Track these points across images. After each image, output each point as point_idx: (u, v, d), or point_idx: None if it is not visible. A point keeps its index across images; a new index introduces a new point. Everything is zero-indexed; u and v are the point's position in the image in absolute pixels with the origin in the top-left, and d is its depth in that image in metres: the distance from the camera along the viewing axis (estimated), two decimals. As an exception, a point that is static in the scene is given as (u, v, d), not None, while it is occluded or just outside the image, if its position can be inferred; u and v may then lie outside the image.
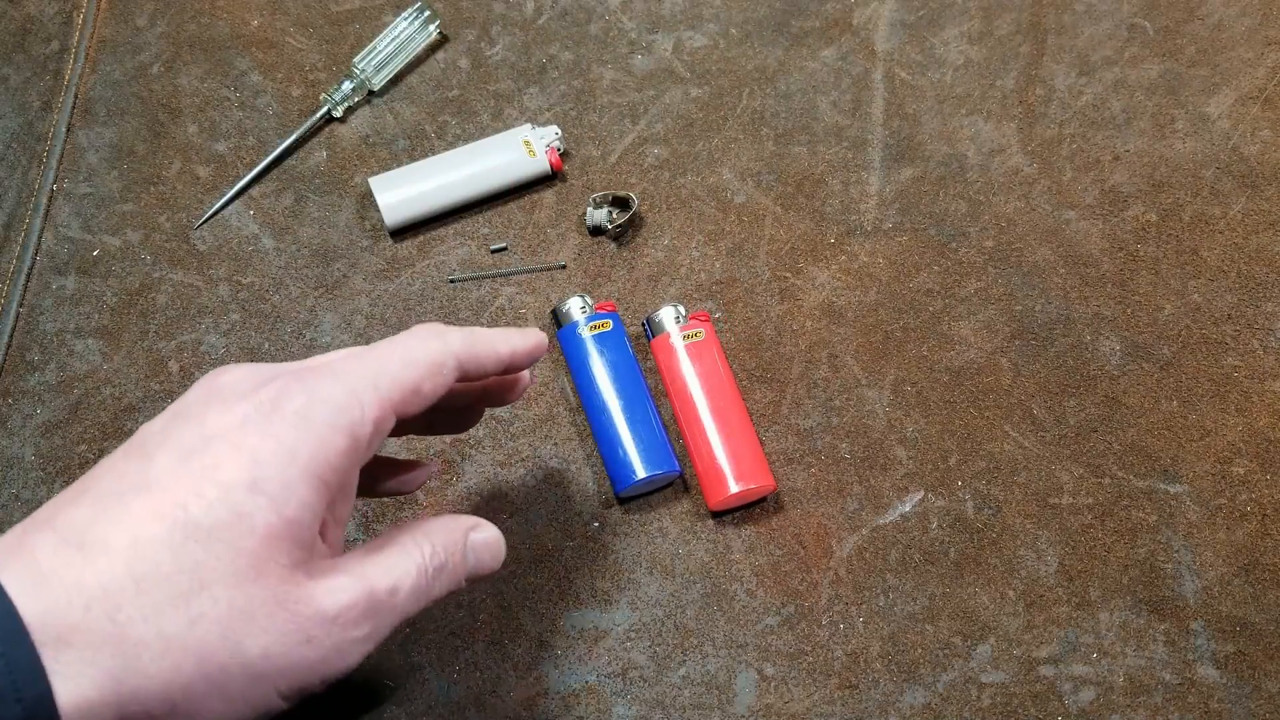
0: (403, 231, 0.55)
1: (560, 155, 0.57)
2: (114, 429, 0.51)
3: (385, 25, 0.61)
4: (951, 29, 0.61)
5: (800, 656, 0.46)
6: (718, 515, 0.48)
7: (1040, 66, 0.60)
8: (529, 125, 0.57)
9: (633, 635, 0.46)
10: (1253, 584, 0.47)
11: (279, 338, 0.53)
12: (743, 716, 0.44)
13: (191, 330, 0.53)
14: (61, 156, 0.57)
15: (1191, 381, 0.51)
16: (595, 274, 0.54)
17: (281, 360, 0.52)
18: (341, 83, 0.58)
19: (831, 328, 0.53)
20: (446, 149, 0.57)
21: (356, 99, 0.58)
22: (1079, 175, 0.56)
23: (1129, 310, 0.53)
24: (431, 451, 0.50)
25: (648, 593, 0.47)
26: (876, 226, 0.55)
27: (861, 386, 0.51)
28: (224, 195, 0.56)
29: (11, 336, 0.53)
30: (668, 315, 0.51)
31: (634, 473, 0.47)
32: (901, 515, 0.48)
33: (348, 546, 0.48)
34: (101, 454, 0.50)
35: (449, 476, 0.49)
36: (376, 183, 0.54)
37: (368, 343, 0.52)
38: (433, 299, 0.54)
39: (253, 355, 0.52)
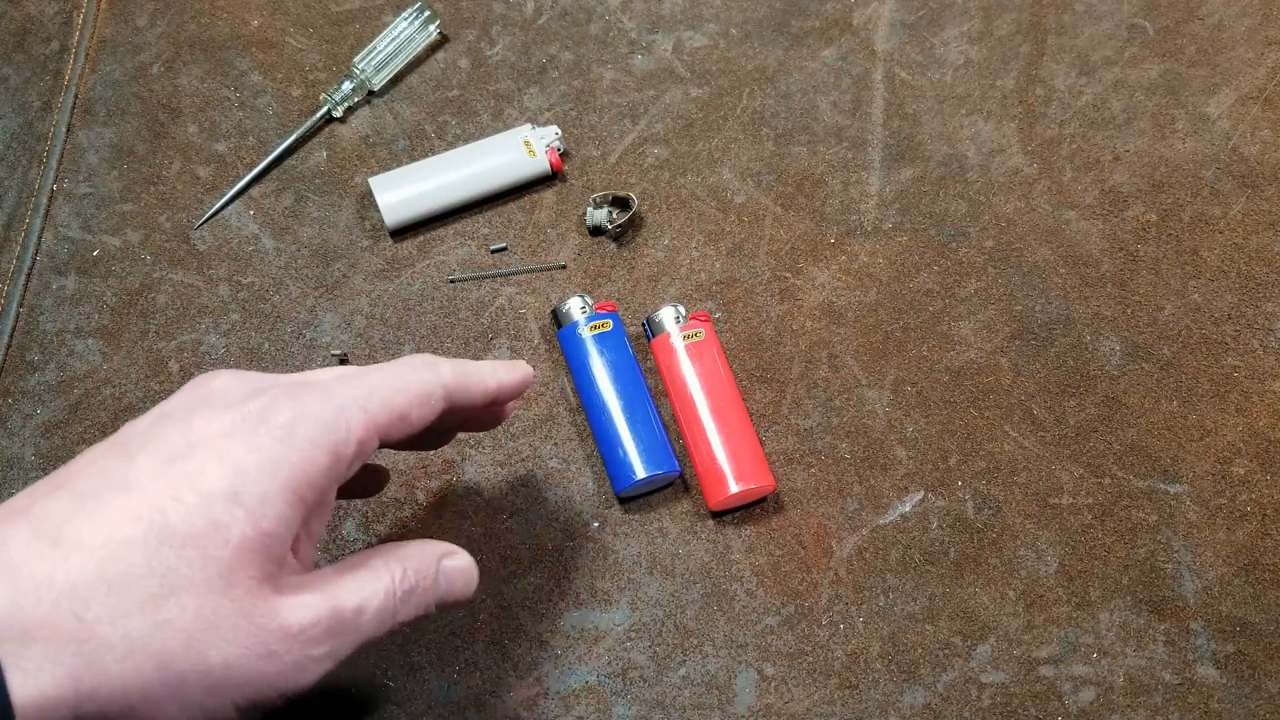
0: (403, 231, 0.55)
1: (560, 155, 0.57)
2: (114, 429, 0.50)
3: (385, 25, 0.61)
4: (951, 29, 0.61)
5: (800, 656, 0.46)
6: (718, 515, 0.48)
7: (1040, 66, 0.60)
8: (529, 125, 0.57)
9: (633, 635, 0.46)
10: (1253, 584, 0.47)
11: (279, 338, 0.53)
12: (743, 716, 0.44)
13: (191, 330, 0.53)
14: (61, 156, 0.57)
15: (1191, 381, 0.51)
16: (595, 274, 0.54)
17: (282, 359, 0.52)
18: (341, 83, 0.58)
19: (831, 328, 0.53)
20: (446, 149, 0.57)
21: (356, 99, 0.58)
22: (1079, 175, 0.56)
23: (1129, 310, 0.53)
24: (431, 453, 0.50)
25: (648, 593, 0.47)
26: (876, 226, 0.55)
27: (861, 386, 0.51)
28: (224, 195, 0.56)
29: (11, 336, 0.53)
30: (668, 315, 0.51)
31: (634, 473, 0.47)
32: (901, 515, 0.48)
33: (349, 546, 0.48)
34: (101, 454, 0.50)
35: (449, 477, 0.49)
36: (376, 183, 0.54)
37: (368, 343, 0.52)
38: (433, 299, 0.54)
39: (253, 355, 0.52)
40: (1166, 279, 0.54)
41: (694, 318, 0.51)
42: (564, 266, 0.54)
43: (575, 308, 0.51)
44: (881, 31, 0.61)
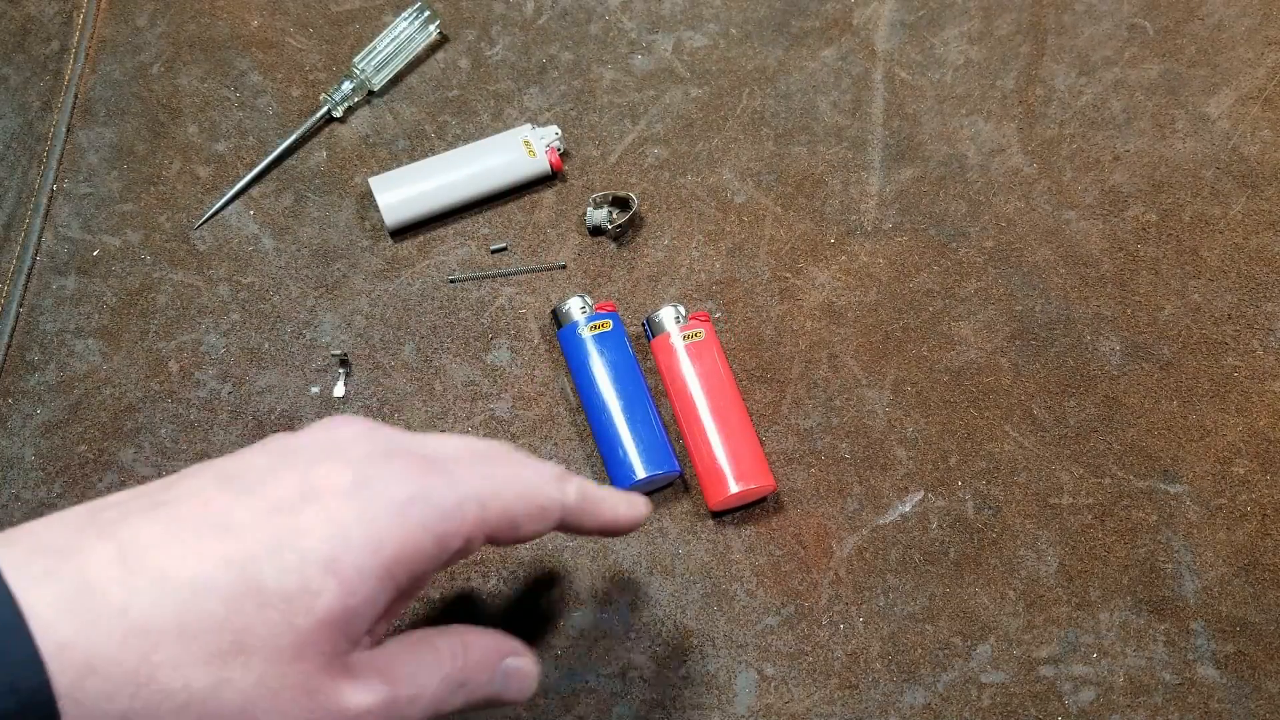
0: (403, 231, 0.55)
1: (560, 155, 0.57)
2: (114, 429, 0.51)
3: (385, 25, 0.61)
4: (951, 29, 0.61)
5: (800, 656, 0.46)
6: (718, 515, 0.48)
7: (1040, 66, 0.60)
8: (529, 125, 0.57)
9: (633, 635, 0.46)
10: (1253, 584, 0.47)
11: (279, 338, 0.53)
12: (743, 716, 0.44)
13: (191, 330, 0.53)
14: (61, 156, 0.57)
15: (1191, 381, 0.51)
16: (595, 274, 0.54)
17: (282, 359, 0.52)
18: (341, 83, 0.58)
19: (831, 328, 0.53)
20: (446, 149, 0.57)
21: (356, 99, 0.58)
22: (1079, 175, 0.56)
23: (1129, 310, 0.53)
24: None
25: (648, 593, 0.47)
26: (876, 226, 0.55)
27: (861, 386, 0.51)
28: (224, 195, 0.56)
29: (11, 336, 0.53)
30: (668, 315, 0.51)
31: (634, 473, 0.47)
32: (901, 515, 0.48)
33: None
34: (102, 454, 0.50)
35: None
36: (376, 183, 0.54)
37: (368, 343, 0.52)
38: (433, 299, 0.54)
39: (253, 355, 0.52)
40: (1166, 279, 0.54)
41: (694, 318, 0.51)
42: (564, 266, 0.54)
43: (575, 308, 0.51)
44: (881, 31, 0.61)
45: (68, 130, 0.58)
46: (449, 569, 0.47)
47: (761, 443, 0.49)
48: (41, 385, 0.52)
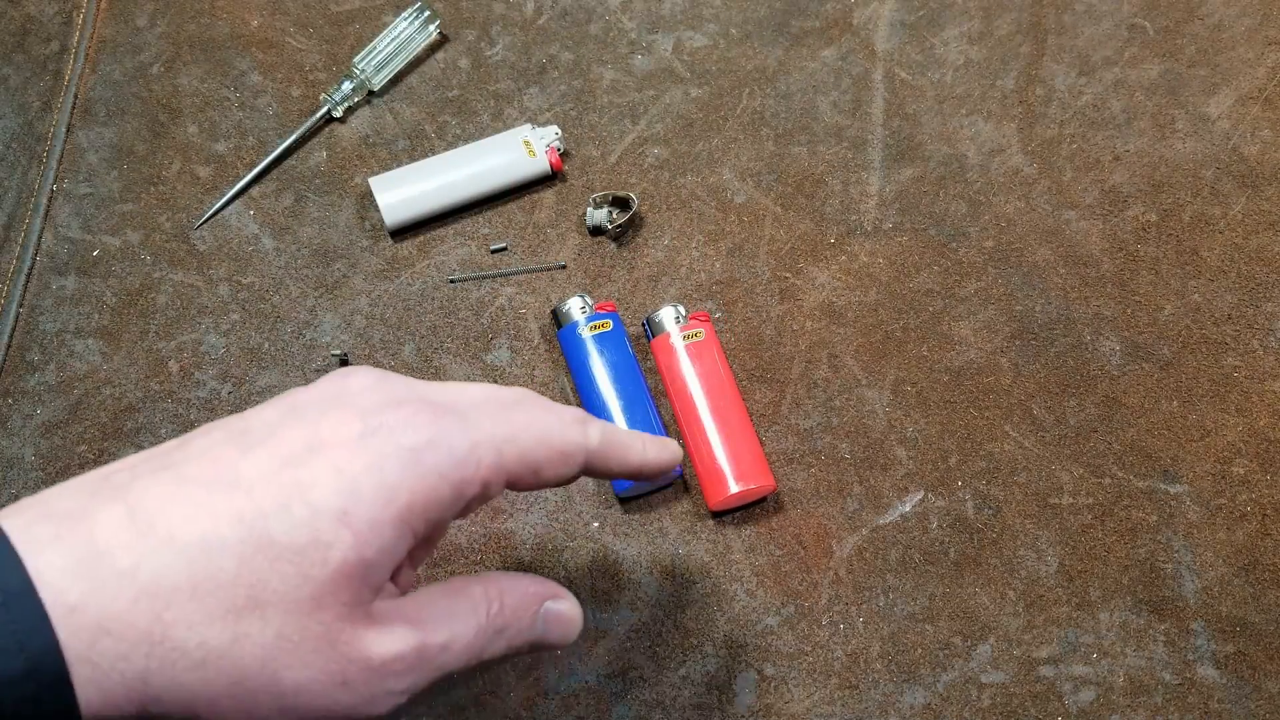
0: (403, 231, 0.55)
1: (560, 155, 0.57)
2: (114, 429, 0.51)
3: (385, 25, 0.61)
4: (951, 29, 0.61)
5: (800, 656, 0.46)
6: (718, 515, 0.48)
7: (1040, 66, 0.60)
8: (529, 125, 0.57)
9: (633, 635, 0.46)
10: (1253, 584, 0.47)
11: (279, 338, 0.53)
12: (743, 716, 0.44)
13: (191, 330, 0.53)
14: (61, 156, 0.57)
15: (1191, 381, 0.51)
16: (595, 274, 0.54)
17: (282, 359, 0.52)
18: (341, 83, 0.58)
19: (831, 328, 0.53)
20: (446, 149, 0.57)
21: (356, 99, 0.58)
22: (1079, 175, 0.56)
23: (1129, 310, 0.53)
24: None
25: (648, 593, 0.47)
26: (876, 226, 0.55)
27: (861, 386, 0.51)
28: (224, 195, 0.56)
29: (11, 336, 0.53)
30: (668, 315, 0.51)
31: (634, 473, 0.47)
32: (901, 515, 0.48)
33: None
34: (102, 454, 0.50)
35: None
36: (376, 183, 0.54)
37: (368, 343, 0.52)
38: (433, 299, 0.54)
39: (253, 355, 0.52)
40: (1166, 279, 0.54)
41: (694, 318, 0.51)
42: (564, 266, 0.54)
43: (575, 308, 0.51)
44: (881, 31, 0.61)
45: (68, 130, 0.58)
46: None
47: (761, 443, 0.49)
48: (41, 385, 0.52)
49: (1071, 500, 0.49)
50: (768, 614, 0.46)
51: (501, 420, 0.31)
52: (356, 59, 0.58)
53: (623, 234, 0.55)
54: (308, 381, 0.51)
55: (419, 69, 0.60)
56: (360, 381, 0.31)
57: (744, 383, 0.51)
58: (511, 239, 0.55)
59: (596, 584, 0.47)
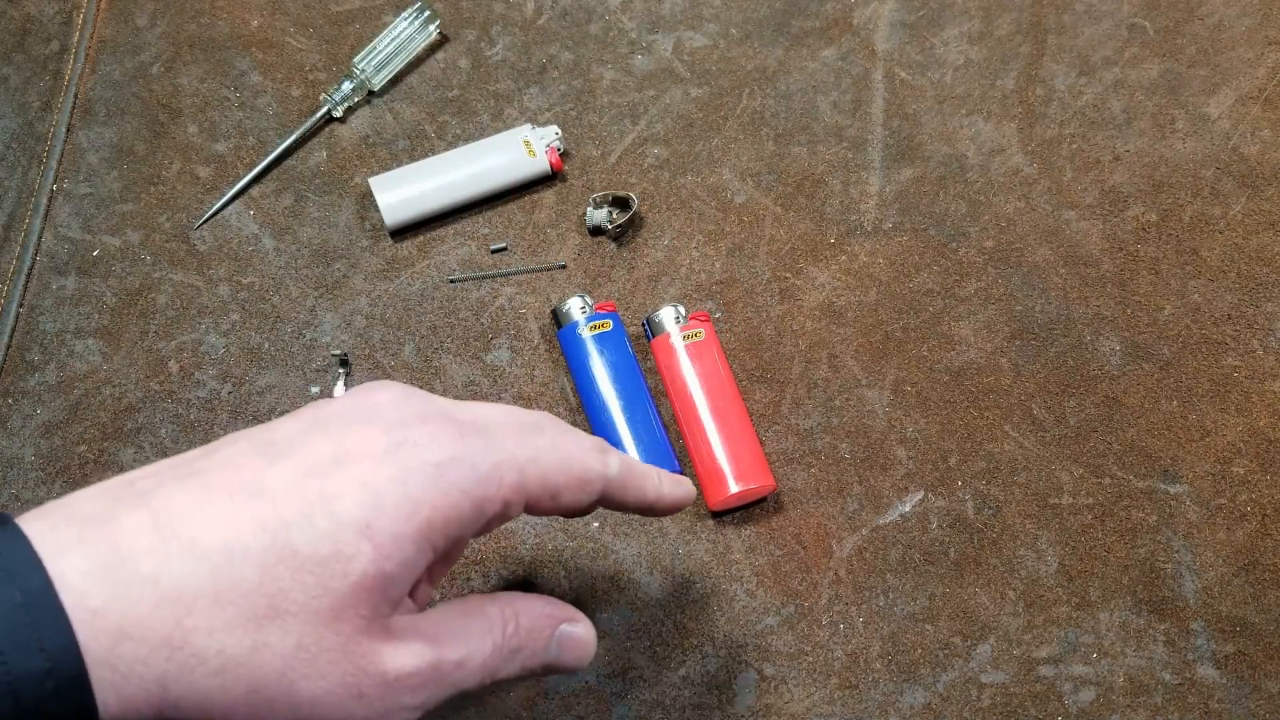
0: (403, 231, 0.55)
1: (560, 155, 0.57)
2: (114, 429, 0.51)
3: (385, 25, 0.61)
4: (951, 29, 0.61)
5: (800, 656, 0.46)
6: (718, 515, 0.48)
7: (1040, 66, 0.60)
8: (529, 125, 0.57)
9: (633, 635, 0.46)
10: (1253, 584, 0.47)
11: (279, 338, 0.53)
12: (743, 716, 0.44)
13: (191, 330, 0.53)
14: (61, 156, 0.57)
15: (1191, 381, 0.51)
16: (595, 274, 0.54)
17: (282, 359, 0.52)
18: (341, 83, 0.58)
19: (831, 328, 0.53)
20: (446, 149, 0.57)
21: (356, 99, 0.58)
22: (1079, 175, 0.56)
23: (1129, 310, 0.53)
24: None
25: (648, 593, 0.47)
26: (876, 226, 0.55)
27: (861, 386, 0.51)
28: (224, 195, 0.56)
29: (11, 336, 0.53)
30: (668, 315, 0.51)
31: (634, 473, 0.47)
32: (901, 515, 0.48)
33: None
34: (101, 454, 0.50)
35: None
36: (376, 183, 0.54)
37: (367, 343, 0.52)
38: (433, 299, 0.54)
39: (253, 355, 0.52)
40: (1166, 279, 0.54)
41: (694, 318, 0.51)
42: (564, 266, 0.54)
43: (575, 308, 0.51)
44: (881, 31, 0.61)
45: (68, 130, 0.58)
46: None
47: (761, 443, 0.49)
48: (41, 385, 0.52)
49: (1071, 500, 0.49)
50: (768, 614, 0.46)
51: (525, 442, 0.31)
52: (356, 59, 0.58)
53: (623, 234, 0.55)
54: (307, 381, 0.52)
55: (419, 69, 0.60)
56: (385, 396, 0.31)
57: (744, 383, 0.51)
58: (511, 239, 0.55)
59: (596, 584, 0.47)
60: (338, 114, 0.58)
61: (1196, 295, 0.53)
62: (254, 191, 0.57)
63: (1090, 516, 0.48)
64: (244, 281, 0.54)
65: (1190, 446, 0.50)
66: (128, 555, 0.26)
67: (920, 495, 0.49)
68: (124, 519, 0.27)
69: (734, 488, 0.47)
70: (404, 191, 0.54)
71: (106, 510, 0.27)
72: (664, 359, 0.50)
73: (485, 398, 0.51)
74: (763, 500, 0.49)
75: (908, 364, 0.52)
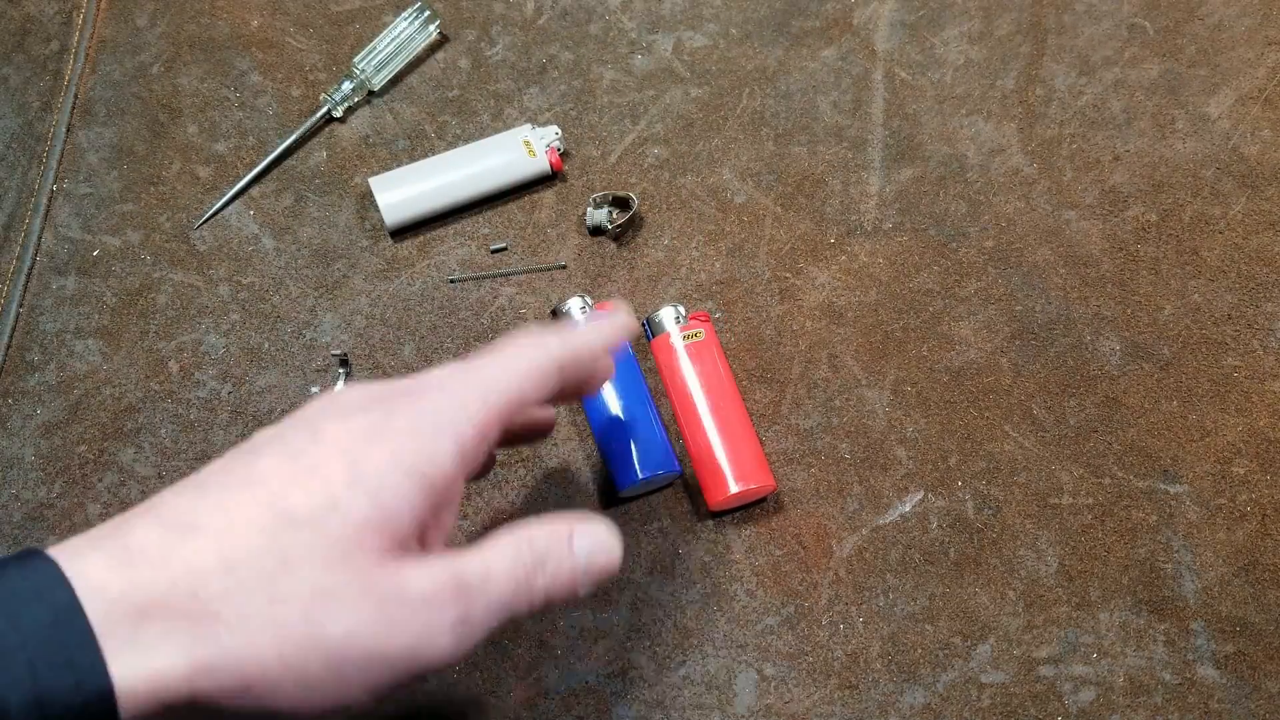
0: (403, 231, 0.55)
1: (560, 155, 0.57)
2: (114, 429, 0.51)
3: (385, 25, 0.61)
4: (951, 29, 0.61)
5: (800, 656, 0.46)
6: (718, 515, 0.48)
7: (1040, 66, 0.60)
8: (529, 125, 0.57)
9: (633, 635, 0.46)
10: (1253, 584, 0.47)
11: (279, 338, 0.53)
12: (743, 716, 0.44)
13: (191, 330, 0.53)
14: (61, 156, 0.57)
15: (1191, 381, 0.51)
16: (595, 274, 0.54)
17: (282, 359, 0.52)
18: (341, 83, 0.58)
19: (831, 328, 0.53)
20: (446, 149, 0.57)
21: (356, 99, 0.58)
22: (1079, 175, 0.56)
23: (1129, 310, 0.53)
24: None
25: (648, 593, 0.47)
26: (876, 226, 0.55)
27: (861, 386, 0.51)
28: (224, 195, 0.56)
29: (11, 336, 0.53)
30: (668, 315, 0.51)
31: (634, 473, 0.47)
32: (901, 515, 0.48)
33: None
34: (102, 454, 0.50)
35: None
36: (376, 183, 0.54)
37: (367, 343, 0.52)
38: (433, 299, 0.54)
39: (253, 355, 0.52)
40: (1166, 279, 0.54)
41: (694, 318, 0.51)
42: (564, 266, 0.54)
43: (575, 308, 0.51)
44: (881, 31, 0.61)
45: (68, 130, 0.58)
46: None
47: (761, 443, 0.49)
48: (41, 385, 0.52)
49: (1071, 500, 0.49)
50: (768, 614, 0.46)
51: (473, 375, 0.33)
52: (356, 59, 0.58)
53: (623, 234, 0.55)
54: (307, 381, 0.52)
55: (419, 69, 0.60)
56: (351, 395, 0.33)
57: (744, 383, 0.51)
58: (511, 239, 0.55)
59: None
60: (338, 114, 0.58)
61: (1196, 295, 0.53)
62: (254, 191, 0.57)
63: (1090, 516, 0.48)
64: (244, 281, 0.54)
65: (1190, 446, 0.50)
66: (138, 549, 0.28)
67: (920, 495, 0.49)
68: (131, 524, 0.28)
69: (734, 488, 0.47)
70: (404, 191, 0.54)
71: (114, 527, 0.29)
72: (664, 359, 0.50)
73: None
74: (763, 500, 0.49)
75: (908, 364, 0.52)
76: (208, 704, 0.27)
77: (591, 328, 0.38)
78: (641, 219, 0.56)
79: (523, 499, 0.49)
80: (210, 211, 0.56)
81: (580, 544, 0.34)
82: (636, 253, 0.55)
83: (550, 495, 0.49)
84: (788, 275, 0.54)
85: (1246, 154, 0.57)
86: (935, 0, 0.62)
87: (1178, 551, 0.47)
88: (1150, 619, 0.46)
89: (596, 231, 0.55)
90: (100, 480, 0.49)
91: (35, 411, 0.51)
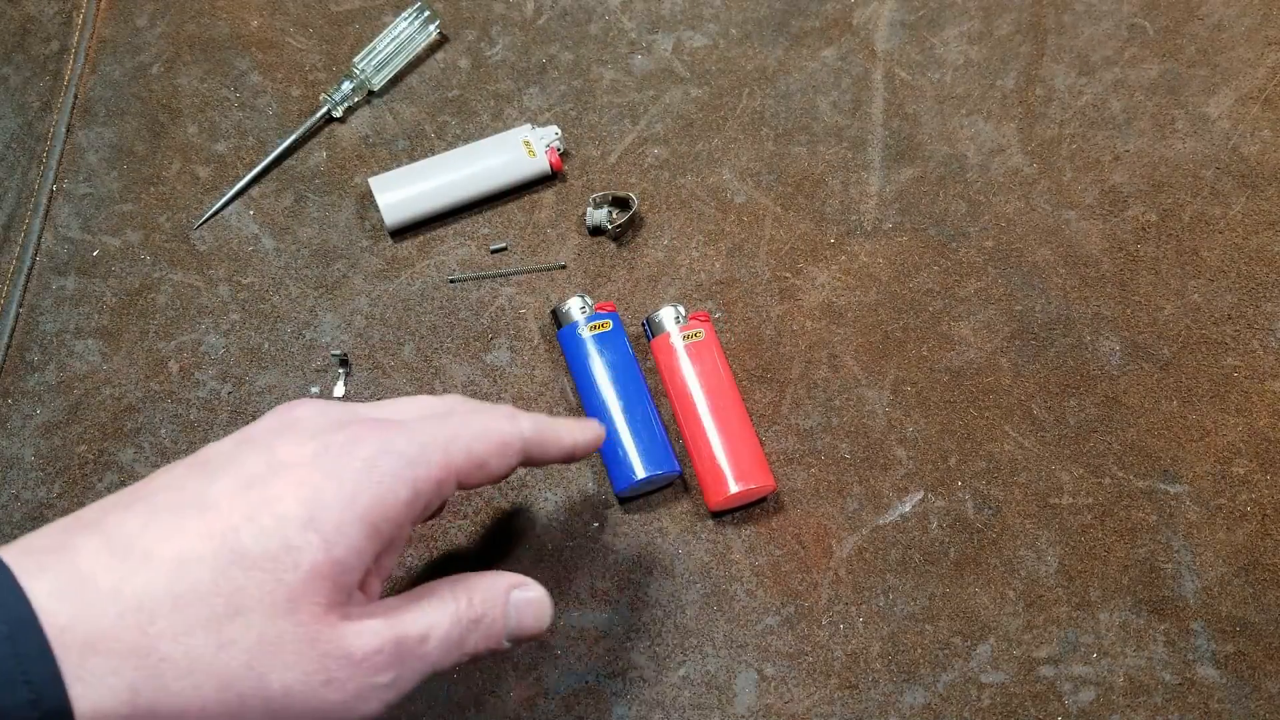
0: (403, 231, 0.55)
1: (560, 155, 0.57)
2: (114, 429, 0.51)
3: (385, 25, 0.61)
4: (951, 29, 0.61)
5: (800, 656, 0.46)
6: (718, 515, 0.48)
7: (1040, 66, 0.60)
8: (529, 125, 0.57)
9: (633, 635, 0.46)
10: (1253, 584, 0.47)
11: (279, 338, 0.53)
12: (743, 716, 0.44)
13: (191, 330, 0.53)
14: (61, 156, 0.57)
15: (1191, 381, 0.51)
16: (595, 274, 0.54)
17: (282, 359, 0.52)
18: (341, 83, 0.58)
19: (831, 328, 0.53)
20: (446, 149, 0.57)
21: (356, 99, 0.58)
22: (1079, 175, 0.56)
23: (1129, 310, 0.53)
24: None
25: (648, 593, 0.47)
26: (876, 226, 0.55)
27: (861, 386, 0.51)
28: (224, 195, 0.56)
29: (11, 336, 0.53)
30: (668, 315, 0.51)
31: (634, 473, 0.47)
32: (901, 515, 0.48)
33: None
34: (102, 454, 0.50)
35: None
36: (376, 183, 0.54)
37: (367, 343, 0.52)
38: (433, 299, 0.54)
39: (253, 355, 0.52)
40: (1166, 279, 0.54)
41: (694, 318, 0.51)
42: (564, 266, 0.54)
43: (575, 308, 0.51)
44: (881, 31, 0.61)
45: (68, 130, 0.58)
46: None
47: (761, 443, 0.49)
48: (41, 385, 0.52)
49: (1071, 500, 0.49)
50: (768, 614, 0.46)
51: (443, 424, 0.33)
52: (356, 59, 0.58)
53: (623, 234, 0.55)
54: (307, 381, 0.52)
55: (419, 69, 0.60)
56: (305, 411, 0.33)
57: (744, 383, 0.51)
58: (511, 239, 0.55)
59: (596, 584, 0.47)
60: (338, 114, 0.58)
61: (1196, 295, 0.53)
62: (254, 191, 0.57)
63: (1090, 516, 0.48)
64: (244, 281, 0.54)
65: (1190, 446, 0.50)
66: (87, 575, 0.27)
67: (920, 495, 0.49)
68: (79, 545, 0.28)
69: (734, 488, 0.47)
70: (404, 191, 0.54)
71: (59, 541, 0.28)
72: (664, 359, 0.50)
73: (485, 398, 0.51)
74: (763, 500, 0.49)
75: (908, 364, 0.52)
76: None
77: (567, 425, 0.38)
78: (641, 219, 0.56)
79: (522, 498, 0.49)
80: (210, 211, 0.56)
81: (513, 609, 0.35)
82: (636, 253, 0.55)
83: (550, 495, 0.49)
84: (788, 275, 0.54)
85: (1246, 154, 0.57)
86: (935, 0, 0.62)
87: (1178, 551, 0.47)
88: (1150, 619, 0.46)
89: (596, 231, 0.55)
90: (100, 480, 0.49)
91: (35, 411, 0.51)
